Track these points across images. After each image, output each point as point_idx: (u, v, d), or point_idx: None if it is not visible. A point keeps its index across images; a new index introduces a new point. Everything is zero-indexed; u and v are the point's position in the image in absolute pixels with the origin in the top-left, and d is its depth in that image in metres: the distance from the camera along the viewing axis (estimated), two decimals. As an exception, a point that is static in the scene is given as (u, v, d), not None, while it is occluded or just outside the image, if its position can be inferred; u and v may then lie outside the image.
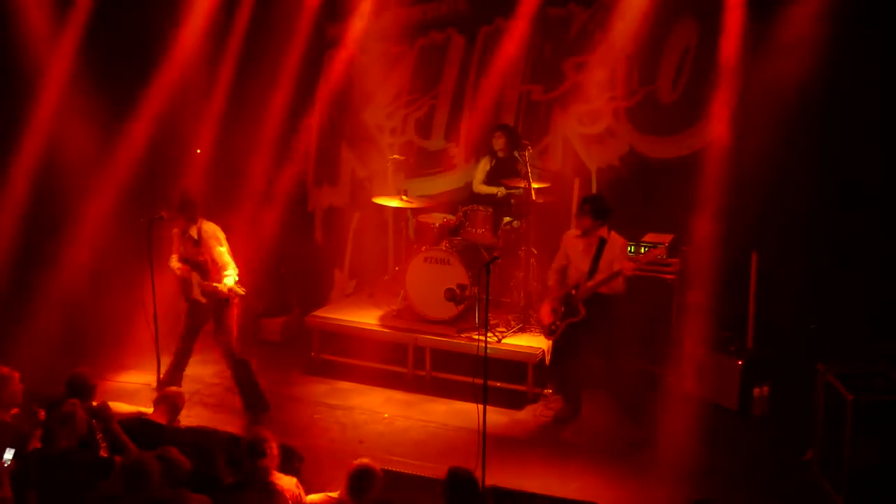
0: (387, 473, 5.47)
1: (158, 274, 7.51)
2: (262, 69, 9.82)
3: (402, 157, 9.58)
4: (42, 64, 9.17)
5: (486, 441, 6.37)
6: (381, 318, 8.95)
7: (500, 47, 9.39)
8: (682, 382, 8.02)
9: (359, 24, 9.69)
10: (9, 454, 5.50)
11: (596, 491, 6.53)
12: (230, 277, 7.48)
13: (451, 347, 8.45)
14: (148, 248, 7.43)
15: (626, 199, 8.58)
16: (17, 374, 6.09)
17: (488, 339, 6.67)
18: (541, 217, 8.79)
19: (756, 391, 7.89)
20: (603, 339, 7.58)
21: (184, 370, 7.97)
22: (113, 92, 9.23)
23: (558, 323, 7.66)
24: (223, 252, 7.56)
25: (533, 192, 8.46)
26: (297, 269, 10.34)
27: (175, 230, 7.73)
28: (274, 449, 5.43)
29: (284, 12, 9.70)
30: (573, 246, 7.66)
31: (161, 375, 7.78)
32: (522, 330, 8.60)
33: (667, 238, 8.40)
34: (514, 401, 8.13)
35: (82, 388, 6.18)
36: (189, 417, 7.17)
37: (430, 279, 8.57)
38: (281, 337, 9.61)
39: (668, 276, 8.30)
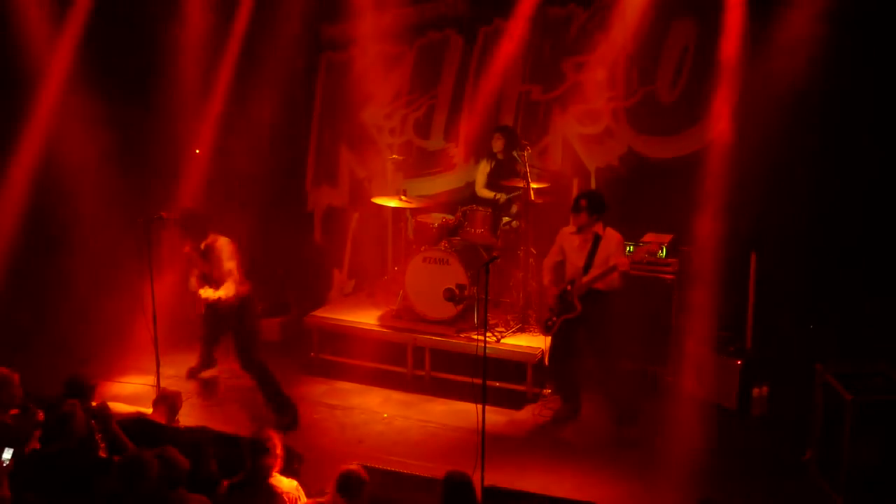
0: (386, 473, 5.46)
1: (157, 275, 7.50)
2: (261, 69, 9.80)
3: (401, 158, 9.56)
4: (41, 63, 9.17)
5: (486, 441, 6.36)
6: (380, 318, 8.96)
7: (500, 47, 9.38)
8: (681, 382, 8.02)
9: (358, 24, 9.69)
10: (7, 454, 5.49)
11: (595, 491, 6.53)
12: (218, 290, 7.56)
13: (450, 347, 8.45)
14: (147, 249, 7.43)
15: (626, 199, 8.56)
16: (16, 375, 6.09)
17: (487, 339, 6.66)
18: (540, 217, 8.78)
19: (755, 391, 7.89)
20: (600, 337, 7.58)
21: (202, 372, 8.43)
22: (112, 92, 9.22)
23: (554, 319, 7.66)
24: (230, 269, 7.57)
25: (532, 192, 8.46)
26: (296, 270, 10.35)
27: (185, 250, 7.79)
28: (278, 448, 5.38)
29: (283, 13, 9.69)
30: (569, 242, 7.66)
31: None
32: (521, 330, 8.61)
33: (666, 238, 8.38)
34: (513, 401, 8.13)
35: (81, 389, 6.18)
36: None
37: (429, 279, 8.57)
38: (280, 337, 9.59)
39: (668, 276, 8.29)
